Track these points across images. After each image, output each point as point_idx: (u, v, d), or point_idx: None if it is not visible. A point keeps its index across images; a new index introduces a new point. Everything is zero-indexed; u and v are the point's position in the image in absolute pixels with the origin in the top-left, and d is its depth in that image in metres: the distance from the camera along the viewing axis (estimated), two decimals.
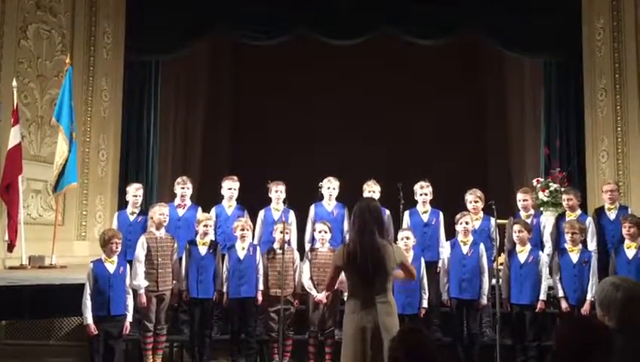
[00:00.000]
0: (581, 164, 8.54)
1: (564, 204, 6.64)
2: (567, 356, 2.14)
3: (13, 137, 6.87)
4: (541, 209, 7.57)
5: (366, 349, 3.79)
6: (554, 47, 8.72)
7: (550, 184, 7.96)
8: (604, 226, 6.43)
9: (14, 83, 6.96)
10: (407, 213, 6.56)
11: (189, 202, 6.70)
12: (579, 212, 6.54)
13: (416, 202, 6.57)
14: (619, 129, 8.07)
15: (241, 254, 6.04)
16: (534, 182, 8.21)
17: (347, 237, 6.55)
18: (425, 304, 5.87)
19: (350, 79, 10.37)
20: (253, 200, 6.83)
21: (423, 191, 6.49)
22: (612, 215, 6.43)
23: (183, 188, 6.66)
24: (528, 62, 9.62)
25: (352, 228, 4.08)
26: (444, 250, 6.19)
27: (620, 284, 2.77)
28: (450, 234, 6.33)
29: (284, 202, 6.54)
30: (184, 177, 6.83)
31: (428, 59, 9.97)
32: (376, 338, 3.80)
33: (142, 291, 5.74)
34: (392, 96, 10.37)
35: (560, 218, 6.58)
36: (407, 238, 5.84)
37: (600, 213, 6.56)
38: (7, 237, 6.77)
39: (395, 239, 5.99)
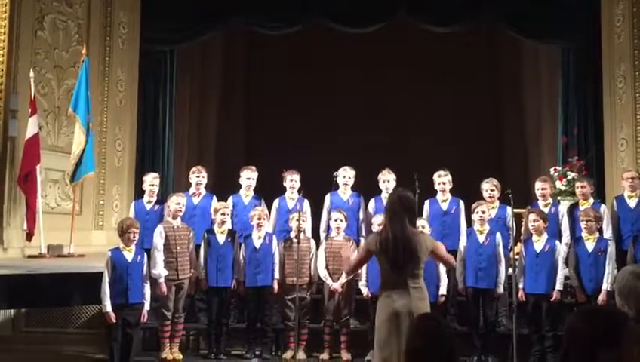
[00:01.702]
0: (599, 152, 8.43)
1: (577, 191, 6.59)
2: (578, 348, 2.12)
3: (31, 127, 6.91)
4: (558, 198, 7.50)
5: (400, 333, 3.85)
6: (572, 33, 8.60)
7: (568, 173, 7.89)
8: (623, 214, 6.37)
9: (31, 73, 7.00)
10: (427, 202, 6.54)
11: (204, 191, 6.73)
12: (592, 200, 6.49)
13: (435, 192, 6.56)
14: (638, 116, 7.94)
15: (257, 243, 6.07)
16: (552, 170, 8.13)
17: (363, 226, 6.58)
18: (443, 291, 5.86)
19: (368, 71, 10.32)
20: (267, 190, 6.84)
21: (441, 179, 6.49)
22: (632, 203, 6.36)
23: (198, 176, 6.70)
24: (545, 50, 9.50)
25: (385, 216, 4.27)
26: (462, 238, 6.17)
27: None
28: (468, 223, 6.32)
29: (298, 191, 6.55)
30: (199, 166, 6.87)
31: (443, 46, 9.88)
32: (409, 322, 3.83)
33: (162, 280, 5.78)
34: (408, 84, 10.29)
35: (573, 207, 6.53)
36: (423, 227, 5.82)
37: (620, 200, 6.49)
38: (25, 227, 6.84)
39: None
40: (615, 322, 2.10)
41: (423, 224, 5.84)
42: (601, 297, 5.68)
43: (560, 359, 2.28)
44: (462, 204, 6.48)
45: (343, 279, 5.95)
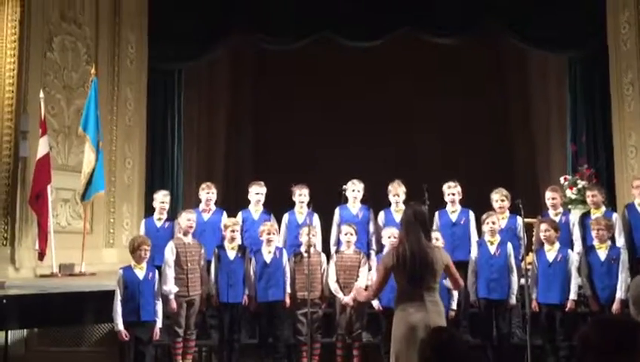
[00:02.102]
0: (609, 160, 8.40)
1: (589, 200, 6.56)
2: (591, 357, 2.11)
3: (42, 147, 6.98)
4: (569, 207, 7.46)
5: (417, 347, 3.82)
6: (579, 42, 8.61)
7: (578, 181, 7.85)
8: (635, 222, 6.32)
9: (41, 94, 7.08)
10: (437, 214, 6.53)
11: (213, 207, 6.74)
12: (603, 209, 6.45)
13: (444, 204, 6.54)
14: None
15: (268, 258, 6.06)
16: (561, 179, 8.10)
17: (373, 239, 6.57)
18: (454, 306, 5.82)
19: (373, 82, 10.36)
20: (276, 205, 6.85)
21: (450, 191, 6.48)
22: None
23: (208, 193, 6.72)
24: (552, 58, 9.51)
25: (401, 231, 4.34)
26: (473, 249, 6.14)
27: None
28: (478, 233, 6.29)
29: (308, 205, 6.55)
30: (209, 183, 6.89)
31: (450, 58, 9.91)
32: None
33: (172, 296, 5.78)
34: (416, 96, 10.32)
35: (585, 216, 6.49)
36: (437, 239, 5.81)
37: (630, 208, 6.45)
38: (37, 246, 6.88)
39: None
40: (627, 330, 2.09)
41: (436, 236, 5.83)
42: (615, 306, 5.62)
43: None
44: (472, 214, 6.46)
45: (354, 293, 5.90)
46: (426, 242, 4.14)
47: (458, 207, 6.49)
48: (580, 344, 2.19)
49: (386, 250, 5.44)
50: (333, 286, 6.04)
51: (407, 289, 4.08)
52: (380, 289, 4.35)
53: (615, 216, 6.42)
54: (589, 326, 2.17)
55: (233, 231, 6.09)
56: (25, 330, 6.57)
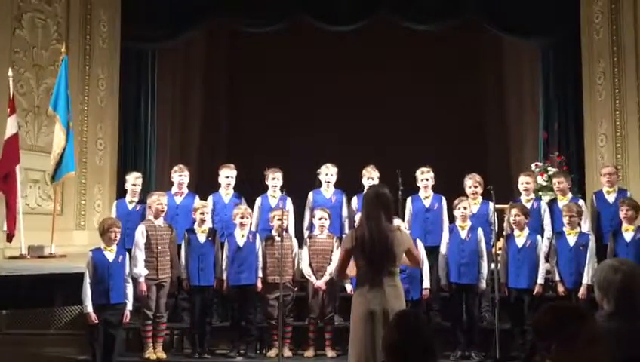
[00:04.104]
0: (580, 147, 8.52)
1: (555, 187, 6.69)
2: (541, 340, 2.17)
3: (10, 127, 6.82)
4: (539, 193, 7.57)
5: (375, 333, 3.83)
6: (551, 30, 8.68)
7: (548, 168, 7.96)
8: (602, 209, 6.44)
9: (10, 72, 6.92)
10: (409, 199, 6.57)
11: (186, 190, 6.70)
12: (570, 195, 6.58)
13: (417, 189, 6.58)
14: (617, 112, 8.03)
15: (241, 241, 6.05)
16: (533, 166, 8.20)
17: (346, 223, 6.59)
18: (427, 284, 5.89)
19: (348, 66, 10.31)
20: (249, 188, 6.83)
21: (423, 176, 6.52)
22: (611, 198, 6.43)
23: (180, 175, 6.67)
24: (526, 46, 9.57)
25: (362, 213, 4.21)
26: (445, 234, 6.20)
27: (618, 267, 2.77)
28: (450, 219, 6.35)
29: (281, 189, 6.54)
30: (181, 165, 6.83)
31: (425, 46, 9.91)
32: (385, 321, 3.83)
33: (142, 279, 5.75)
34: (391, 82, 10.31)
35: (552, 202, 6.60)
36: (399, 227, 5.84)
37: (599, 196, 6.57)
38: (5, 228, 6.74)
39: None
40: (573, 317, 2.15)
41: (399, 223, 5.87)
42: (582, 291, 5.74)
43: (528, 350, 2.33)
44: (444, 200, 6.51)
45: (327, 277, 5.96)
46: (386, 224, 4.02)
47: (431, 193, 6.53)
48: (533, 327, 2.26)
49: None
50: (307, 270, 6.07)
51: (366, 272, 3.99)
52: (342, 271, 4.21)
53: (581, 202, 6.53)
54: (540, 312, 2.23)
55: (202, 213, 6.06)
56: None
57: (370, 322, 3.88)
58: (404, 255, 4.09)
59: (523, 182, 6.54)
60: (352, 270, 4.15)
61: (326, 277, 5.98)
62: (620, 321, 2.62)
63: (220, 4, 8.92)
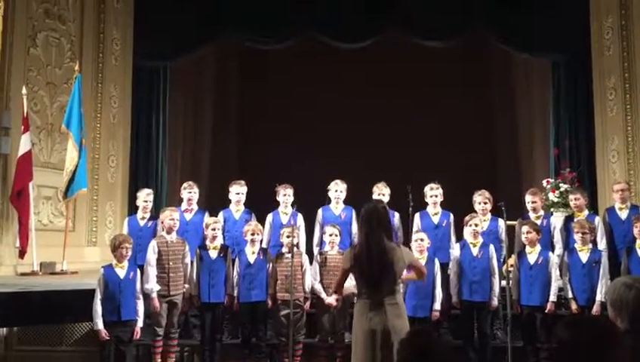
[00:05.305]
0: (591, 164, 8.48)
1: (572, 204, 6.62)
2: (567, 358, 2.14)
3: (24, 144, 6.91)
4: (551, 210, 7.52)
5: (376, 352, 3.79)
6: (562, 46, 8.68)
7: (560, 184, 7.92)
8: (615, 226, 6.40)
9: (24, 90, 7.01)
10: (417, 215, 6.55)
11: (195, 206, 6.72)
12: (586, 212, 6.52)
13: (425, 204, 6.56)
14: (629, 128, 8.01)
15: (251, 258, 6.04)
16: (544, 182, 8.17)
17: (356, 239, 6.57)
18: (438, 306, 5.84)
19: (356, 82, 10.37)
20: (260, 204, 6.84)
21: (433, 192, 6.50)
22: (623, 214, 6.39)
23: (190, 192, 6.69)
24: (536, 62, 9.58)
25: (359, 230, 4.15)
26: (454, 251, 6.17)
27: (632, 284, 2.74)
28: (460, 235, 6.32)
29: (292, 205, 6.53)
30: (190, 182, 6.85)
31: (435, 61, 9.94)
32: (385, 340, 3.80)
33: (154, 295, 5.74)
34: (399, 98, 10.35)
35: (569, 219, 6.55)
36: (422, 240, 5.85)
37: (611, 212, 6.52)
38: (18, 244, 6.81)
39: (408, 241, 6.00)
40: (601, 331, 2.12)
41: (421, 237, 5.89)
42: (595, 308, 5.68)
43: None
44: (452, 217, 6.48)
45: (334, 297, 5.93)
46: (387, 242, 3.93)
47: (439, 209, 6.51)
48: (558, 345, 2.22)
49: None
50: (317, 287, 6.04)
51: (366, 291, 3.93)
52: (340, 288, 4.19)
53: (597, 219, 6.48)
54: (562, 327, 2.19)
55: (214, 229, 6.06)
56: (5, 329, 6.51)
57: (371, 341, 3.84)
58: (404, 271, 4.04)
59: (529, 200, 6.51)
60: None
61: (335, 294, 5.95)
62: (635, 339, 2.59)
63: (231, 22, 9.00)
